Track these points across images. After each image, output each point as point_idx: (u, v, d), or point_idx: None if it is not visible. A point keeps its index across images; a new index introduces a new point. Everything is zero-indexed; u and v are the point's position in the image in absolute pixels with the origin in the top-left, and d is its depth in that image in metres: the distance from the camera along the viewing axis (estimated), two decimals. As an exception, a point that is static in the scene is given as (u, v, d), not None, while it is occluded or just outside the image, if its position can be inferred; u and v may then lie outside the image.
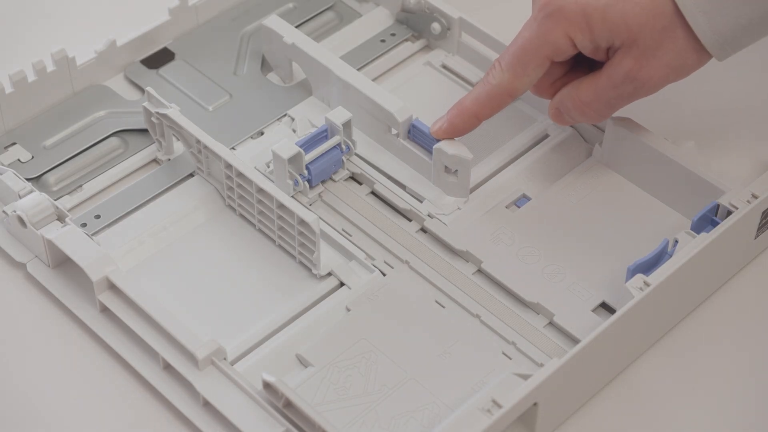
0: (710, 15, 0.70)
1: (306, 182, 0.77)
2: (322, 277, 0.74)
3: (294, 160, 0.76)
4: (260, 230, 0.75)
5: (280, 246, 0.74)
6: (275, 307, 0.72)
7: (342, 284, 0.73)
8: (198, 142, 0.76)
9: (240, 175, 0.74)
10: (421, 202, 0.77)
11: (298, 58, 0.83)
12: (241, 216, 0.76)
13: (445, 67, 0.86)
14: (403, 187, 0.78)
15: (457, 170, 0.76)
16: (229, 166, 0.74)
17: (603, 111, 0.74)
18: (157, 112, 0.77)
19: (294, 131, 0.82)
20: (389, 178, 0.78)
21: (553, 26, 0.71)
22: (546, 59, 0.73)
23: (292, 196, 0.77)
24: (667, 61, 0.71)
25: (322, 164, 0.77)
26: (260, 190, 0.73)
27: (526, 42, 0.73)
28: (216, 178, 0.77)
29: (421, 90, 0.84)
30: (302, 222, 0.72)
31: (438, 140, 0.76)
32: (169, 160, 0.79)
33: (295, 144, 0.75)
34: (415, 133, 0.78)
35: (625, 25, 0.70)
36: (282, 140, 0.76)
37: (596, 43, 0.72)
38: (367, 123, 0.80)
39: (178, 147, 0.80)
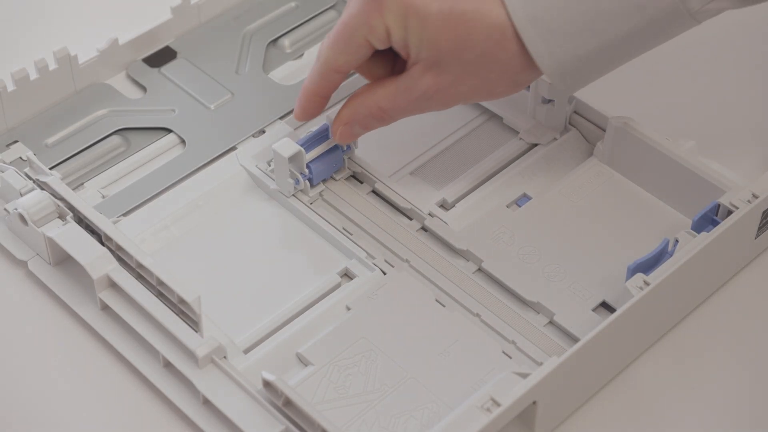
0: (551, 46, 0.69)
1: (307, 181, 0.77)
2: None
3: (295, 158, 0.76)
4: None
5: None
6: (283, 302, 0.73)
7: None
8: (78, 212, 0.73)
9: (120, 248, 0.72)
10: (518, 133, 0.80)
11: None
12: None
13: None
14: (500, 119, 0.81)
15: (553, 100, 0.78)
16: (108, 238, 0.72)
17: (400, 116, 0.74)
18: (38, 180, 0.76)
19: None
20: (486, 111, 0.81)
21: (375, 10, 0.70)
22: (366, 41, 0.71)
23: (293, 195, 0.77)
24: (481, 83, 0.71)
25: (323, 163, 0.77)
26: (140, 266, 0.71)
27: (348, 19, 0.71)
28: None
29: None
30: (182, 301, 0.69)
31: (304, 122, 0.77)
32: None
33: (296, 143, 0.76)
34: None
35: (436, 43, 0.70)
36: (283, 138, 0.76)
37: (408, 46, 0.71)
38: None
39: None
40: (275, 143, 0.76)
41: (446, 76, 0.71)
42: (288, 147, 0.75)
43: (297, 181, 0.76)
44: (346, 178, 0.79)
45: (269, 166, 0.79)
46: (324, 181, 0.78)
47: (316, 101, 0.75)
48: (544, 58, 0.69)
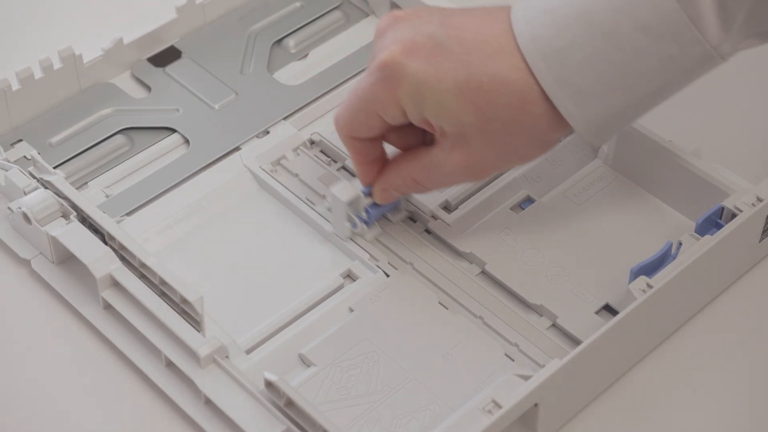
0: (582, 107, 0.67)
1: (363, 224, 0.76)
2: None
3: (354, 203, 0.74)
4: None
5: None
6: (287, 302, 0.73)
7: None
8: (82, 211, 0.73)
9: (123, 248, 0.72)
10: None
11: None
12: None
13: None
14: None
15: None
16: (112, 238, 0.72)
17: (436, 188, 0.73)
18: (42, 178, 0.75)
19: None
20: None
21: (387, 90, 0.68)
22: (379, 116, 0.69)
23: (350, 238, 0.76)
24: (510, 150, 0.69)
25: (380, 207, 0.75)
26: (143, 265, 0.71)
27: (362, 92, 0.69)
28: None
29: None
30: (185, 301, 0.69)
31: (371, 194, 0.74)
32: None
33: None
34: None
35: (457, 118, 0.68)
36: (341, 182, 0.74)
37: (427, 121, 0.69)
38: None
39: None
40: (332, 186, 0.74)
41: (474, 152, 0.69)
42: (346, 191, 0.74)
43: (354, 225, 0.75)
44: (403, 220, 0.77)
45: (273, 167, 0.79)
46: (379, 222, 0.76)
47: (360, 169, 0.73)
48: (578, 120, 0.67)
